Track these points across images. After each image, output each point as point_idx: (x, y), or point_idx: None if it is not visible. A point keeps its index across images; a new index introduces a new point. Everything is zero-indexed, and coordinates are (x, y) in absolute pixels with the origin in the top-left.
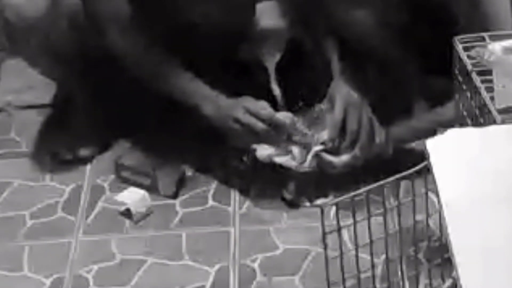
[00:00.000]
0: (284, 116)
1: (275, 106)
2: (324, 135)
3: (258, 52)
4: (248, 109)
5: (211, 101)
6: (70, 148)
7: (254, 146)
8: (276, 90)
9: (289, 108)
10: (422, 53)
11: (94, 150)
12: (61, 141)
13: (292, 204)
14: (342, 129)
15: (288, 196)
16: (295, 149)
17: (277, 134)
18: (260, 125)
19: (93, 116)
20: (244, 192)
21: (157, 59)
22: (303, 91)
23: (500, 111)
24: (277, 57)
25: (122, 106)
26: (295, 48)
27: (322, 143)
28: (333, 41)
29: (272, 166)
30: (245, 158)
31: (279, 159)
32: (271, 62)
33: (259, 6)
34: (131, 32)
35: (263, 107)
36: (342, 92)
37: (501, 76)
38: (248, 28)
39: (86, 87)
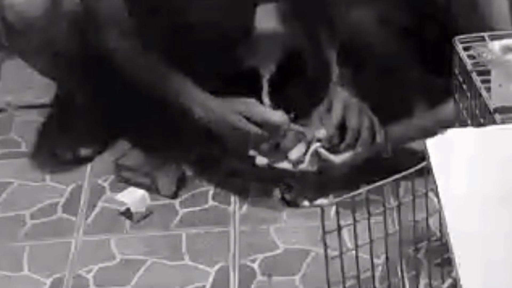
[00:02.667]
0: (277, 116)
1: None
2: (321, 133)
3: (254, 60)
4: (241, 113)
5: (202, 103)
6: (70, 148)
7: (252, 153)
8: (267, 103)
9: None
10: (422, 53)
11: (94, 150)
12: (61, 141)
13: (292, 204)
14: (341, 128)
15: (287, 195)
16: (292, 152)
17: (271, 135)
18: (254, 129)
19: (93, 116)
20: (242, 194)
21: (153, 61)
22: (295, 103)
23: (498, 110)
24: (272, 69)
25: (122, 106)
26: (291, 61)
27: (319, 140)
28: (332, 42)
29: (271, 172)
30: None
31: (277, 165)
32: (266, 73)
33: (258, 9)
34: (128, 33)
35: (255, 108)
36: (340, 93)
37: (499, 75)
38: (247, 30)
39: (86, 87)
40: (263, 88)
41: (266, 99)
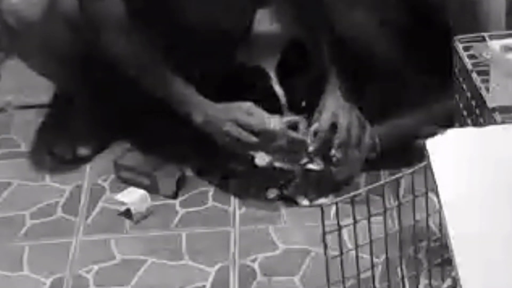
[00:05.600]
0: (274, 123)
1: (279, 108)
2: (310, 149)
3: (255, 56)
4: (237, 121)
5: (201, 109)
6: (69, 148)
7: (252, 153)
8: (279, 91)
9: (292, 108)
10: (418, 53)
11: (93, 150)
12: (61, 141)
13: (290, 200)
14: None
15: (286, 191)
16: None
17: (268, 143)
18: (250, 138)
19: (92, 116)
20: (241, 196)
21: (151, 61)
22: (305, 91)
23: (498, 110)
24: (277, 59)
25: (121, 106)
26: (295, 49)
27: (309, 154)
28: (329, 43)
29: (272, 171)
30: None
31: (279, 164)
32: (271, 64)
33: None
34: (127, 34)
35: (252, 113)
36: (333, 96)
37: (499, 74)
38: (246, 32)
39: (86, 87)
40: (272, 79)
41: (277, 88)
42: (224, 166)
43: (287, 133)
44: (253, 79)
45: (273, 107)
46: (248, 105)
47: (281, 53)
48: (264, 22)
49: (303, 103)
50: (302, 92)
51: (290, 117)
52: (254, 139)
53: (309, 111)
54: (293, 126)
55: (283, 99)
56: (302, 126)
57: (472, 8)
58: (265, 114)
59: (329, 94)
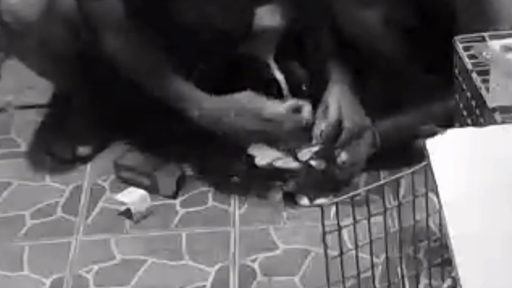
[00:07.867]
0: (276, 107)
1: (280, 94)
2: (322, 126)
3: (254, 48)
4: (237, 111)
5: (198, 104)
6: (69, 148)
7: (252, 152)
8: (279, 77)
9: (295, 93)
10: (422, 51)
11: (93, 150)
12: (60, 140)
13: (291, 198)
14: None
15: (287, 189)
16: (303, 152)
17: (272, 128)
18: (251, 126)
19: (92, 116)
20: (242, 196)
21: (149, 61)
22: (305, 75)
23: (498, 110)
24: (275, 47)
25: (121, 106)
26: (292, 38)
27: (314, 153)
28: (333, 40)
29: (272, 171)
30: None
31: (280, 163)
32: (269, 52)
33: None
34: (126, 33)
35: (251, 102)
36: (337, 90)
37: (499, 74)
38: (246, 32)
39: (85, 87)
40: (271, 66)
41: (277, 74)
42: (226, 165)
43: (290, 116)
44: (252, 67)
45: (274, 92)
46: (246, 94)
47: (280, 42)
48: (263, 17)
49: (304, 87)
50: (302, 76)
51: (292, 101)
52: (257, 125)
53: (311, 94)
54: (297, 111)
55: (283, 84)
56: (306, 109)
57: (482, 5)
58: (266, 101)
59: (333, 92)
